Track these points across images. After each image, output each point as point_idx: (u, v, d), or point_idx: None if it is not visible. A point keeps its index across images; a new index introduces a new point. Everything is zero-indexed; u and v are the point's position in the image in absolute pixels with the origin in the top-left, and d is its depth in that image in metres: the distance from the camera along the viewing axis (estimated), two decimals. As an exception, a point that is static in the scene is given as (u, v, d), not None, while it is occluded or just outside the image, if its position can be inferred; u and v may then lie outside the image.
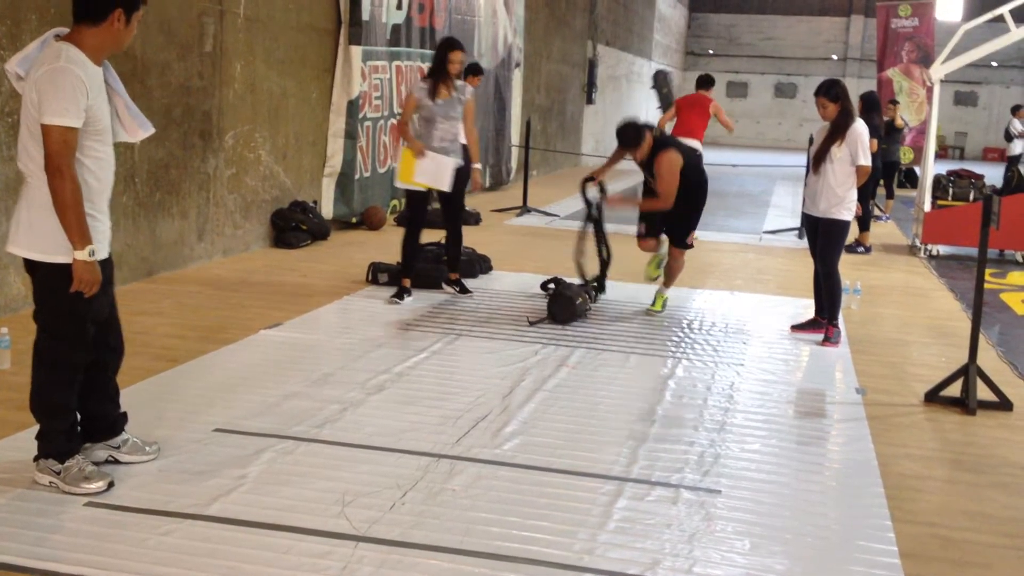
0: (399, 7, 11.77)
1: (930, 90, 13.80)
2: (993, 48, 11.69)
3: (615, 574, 3.42)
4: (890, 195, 15.04)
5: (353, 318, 6.94)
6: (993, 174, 18.68)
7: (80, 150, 3.62)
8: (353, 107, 10.72)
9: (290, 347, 6.05)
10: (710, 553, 3.62)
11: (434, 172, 7.34)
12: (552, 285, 7.74)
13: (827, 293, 6.88)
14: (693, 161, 7.32)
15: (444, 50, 7.37)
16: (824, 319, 6.92)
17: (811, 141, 12.83)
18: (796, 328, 7.15)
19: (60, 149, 3.51)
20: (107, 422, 4.11)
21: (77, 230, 3.57)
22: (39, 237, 3.66)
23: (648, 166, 7.17)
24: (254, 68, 8.92)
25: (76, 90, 3.53)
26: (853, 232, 9.52)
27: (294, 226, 9.60)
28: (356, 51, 10.63)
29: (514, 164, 16.80)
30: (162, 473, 4.07)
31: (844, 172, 6.73)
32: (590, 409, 5.22)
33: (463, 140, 7.64)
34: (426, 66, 12.49)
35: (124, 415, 4.19)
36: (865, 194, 10.88)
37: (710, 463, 4.52)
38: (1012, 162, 19.13)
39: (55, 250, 3.65)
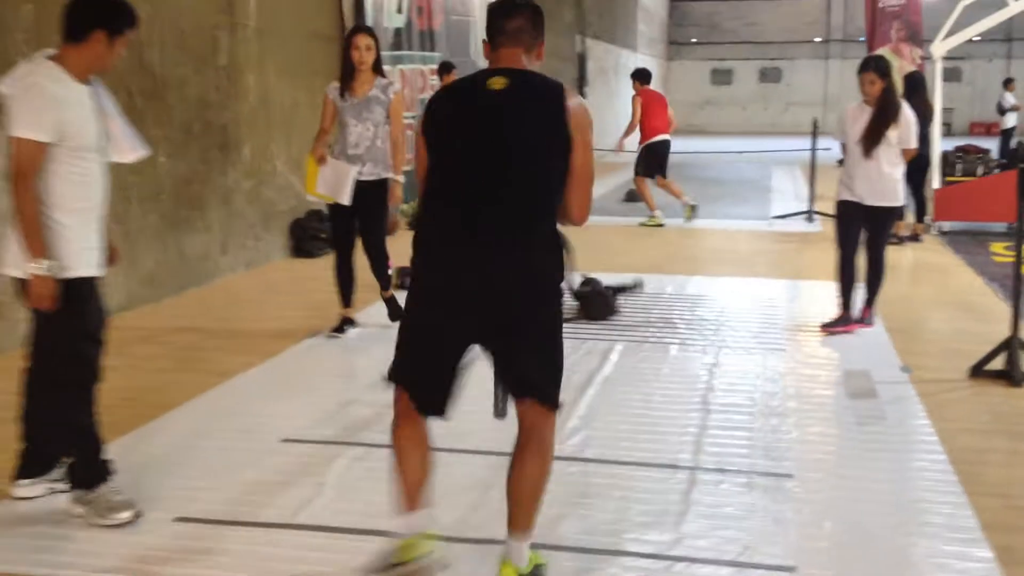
0: (399, 11, 11.79)
1: (920, 67, 13.90)
2: (992, 23, 11.80)
3: (711, 561, 3.45)
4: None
5: (390, 322, 6.95)
6: (992, 148, 18.79)
7: (57, 164, 3.57)
8: (361, 113, 10.71)
9: (335, 355, 6.07)
10: (794, 536, 3.66)
11: (333, 183, 6.32)
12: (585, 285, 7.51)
13: (874, 277, 6.70)
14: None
15: (348, 36, 6.46)
16: (848, 314, 6.73)
17: (815, 126, 12.95)
18: (827, 327, 6.73)
19: (24, 162, 3.48)
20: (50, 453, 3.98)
21: (32, 243, 3.52)
22: (17, 253, 3.60)
23: None
24: (266, 79, 8.93)
25: (45, 105, 3.51)
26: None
27: (312, 235, 9.61)
28: (362, 57, 10.61)
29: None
30: (243, 485, 4.09)
31: (896, 156, 6.55)
32: (644, 401, 5.26)
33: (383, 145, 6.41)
34: (428, 69, 12.59)
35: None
36: (921, 182, 10.77)
37: (775, 448, 4.56)
38: (1006, 135, 19.27)
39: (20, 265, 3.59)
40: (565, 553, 3.50)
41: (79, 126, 3.60)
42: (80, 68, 3.62)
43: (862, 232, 6.69)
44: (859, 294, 6.77)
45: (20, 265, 3.58)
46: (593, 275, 7.44)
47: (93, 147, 3.69)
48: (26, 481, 3.92)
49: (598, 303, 7.11)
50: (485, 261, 2.99)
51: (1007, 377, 5.63)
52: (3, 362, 5.97)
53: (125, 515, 3.72)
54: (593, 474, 4.25)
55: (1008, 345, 5.69)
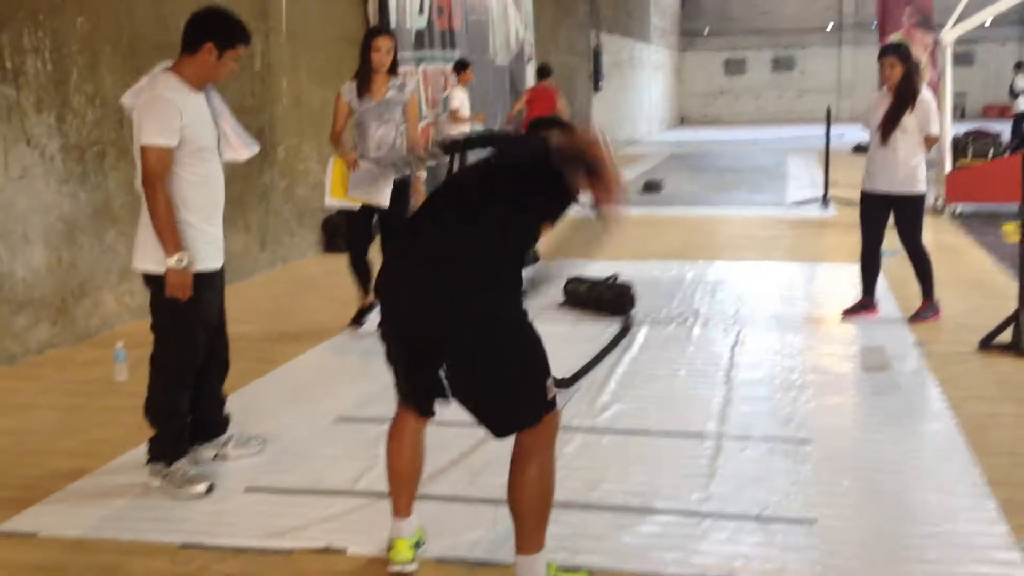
0: (421, 12, 12.12)
1: (932, 53, 14.12)
2: (1000, 8, 12.04)
3: (738, 516, 3.78)
4: None
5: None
6: (1003, 131, 18.99)
7: (180, 168, 3.96)
8: (387, 112, 11.05)
9: (374, 342, 6.39)
10: (814, 493, 3.98)
11: (369, 185, 6.28)
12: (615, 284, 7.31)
13: (917, 269, 6.72)
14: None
15: (367, 38, 6.40)
16: (872, 300, 6.85)
17: (829, 114, 13.20)
18: (847, 312, 6.88)
19: (154, 167, 3.87)
20: (214, 424, 4.45)
21: (168, 240, 3.91)
22: (147, 251, 4.02)
23: None
24: (299, 82, 9.29)
25: (168, 113, 3.87)
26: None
27: (343, 232, 9.94)
28: (387, 58, 10.96)
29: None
30: (305, 458, 4.45)
31: (915, 143, 6.51)
32: (670, 377, 5.58)
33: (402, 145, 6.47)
34: (449, 68, 12.91)
35: (228, 417, 4.52)
36: None
37: (795, 417, 4.88)
38: (1019, 119, 19.45)
39: (157, 261, 3.98)
40: (601, 512, 3.83)
41: (197, 130, 3.98)
42: (195, 77, 3.99)
43: (890, 222, 6.73)
44: (881, 282, 7.00)
45: (156, 261, 3.97)
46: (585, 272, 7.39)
47: (211, 148, 4.08)
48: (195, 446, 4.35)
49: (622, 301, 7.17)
50: (422, 279, 3.05)
51: (1014, 348, 5.91)
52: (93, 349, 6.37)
53: (200, 488, 4.06)
54: (625, 444, 4.57)
55: (1015, 318, 5.98)
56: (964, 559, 3.43)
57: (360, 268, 6.56)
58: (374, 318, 6.60)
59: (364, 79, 6.30)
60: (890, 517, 3.76)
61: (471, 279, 3.02)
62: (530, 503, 3.09)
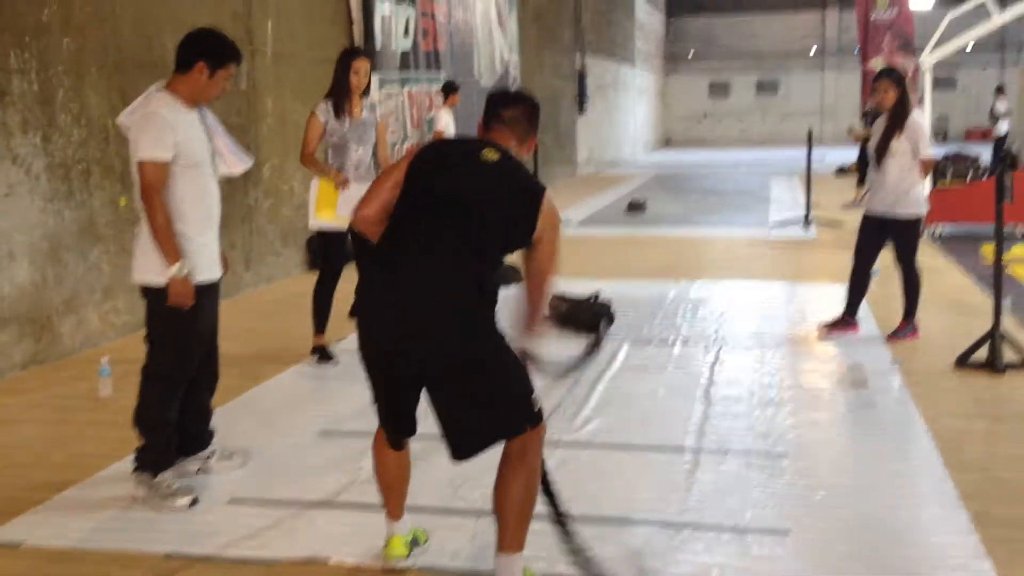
0: (406, 34, 12.23)
1: (914, 78, 14.33)
2: (977, 35, 12.24)
3: (714, 527, 3.84)
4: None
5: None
6: (983, 153, 19.21)
7: (175, 182, 4.06)
8: (372, 133, 11.14)
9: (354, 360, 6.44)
10: (789, 505, 4.05)
11: None
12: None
13: (907, 291, 6.76)
14: None
15: (346, 59, 6.27)
16: (853, 319, 6.94)
17: (810, 136, 13.31)
18: (827, 328, 6.96)
19: (151, 181, 3.97)
20: (199, 437, 4.51)
21: (168, 250, 4.01)
22: (147, 263, 4.10)
23: None
24: (283, 102, 9.36)
25: (162, 129, 3.98)
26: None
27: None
28: (373, 79, 11.06)
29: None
30: (288, 471, 4.51)
31: (906, 166, 6.56)
32: (651, 394, 5.66)
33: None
34: (434, 89, 13.01)
35: (212, 431, 4.59)
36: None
37: (772, 432, 4.95)
38: (1000, 142, 19.67)
39: (157, 272, 4.07)
40: (580, 523, 3.87)
41: (191, 145, 4.08)
42: (187, 95, 4.11)
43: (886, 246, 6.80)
44: (864, 302, 7.07)
45: (156, 272, 4.06)
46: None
47: (205, 163, 4.17)
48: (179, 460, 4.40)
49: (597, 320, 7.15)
50: (405, 308, 3.13)
51: (990, 366, 6.01)
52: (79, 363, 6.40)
53: (183, 501, 4.11)
54: (605, 458, 4.64)
55: (991, 337, 6.08)
56: (935, 569, 3.50)
57: (323, 301, 6.37)
58: (343, 344, 6.59)
59: (341, 100, 6.25)
60: (863, 528, 3.83)
61: (449, 309, 3.12)
62: (515, 505, 3.20)
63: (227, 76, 4.18)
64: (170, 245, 4.02)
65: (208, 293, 4.26)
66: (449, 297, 3.12)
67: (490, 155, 3.25)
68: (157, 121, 3.99)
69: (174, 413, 4.25)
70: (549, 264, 3.27)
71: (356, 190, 6.08)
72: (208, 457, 4.52)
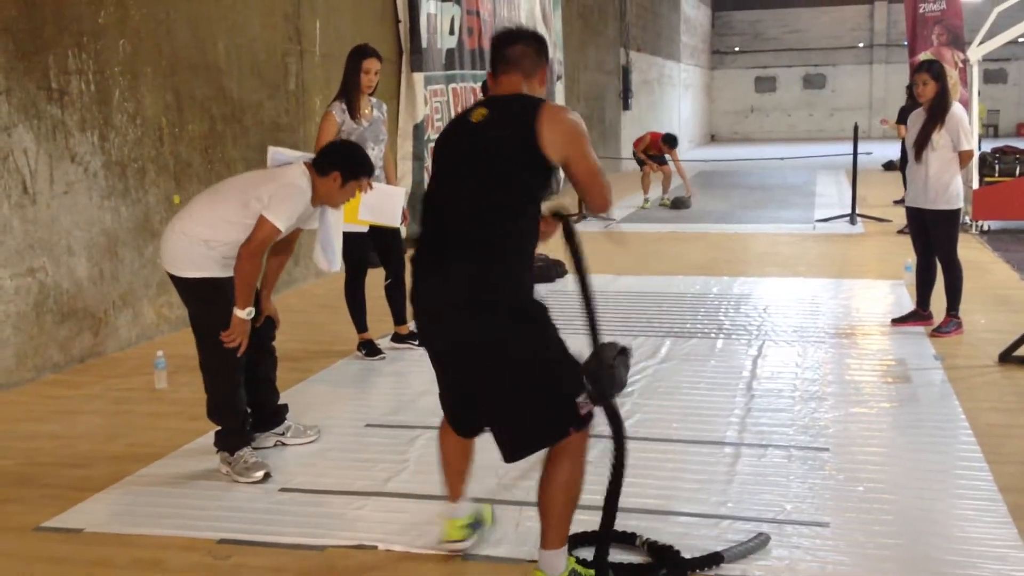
0: (451, 32, 12.34)
1: (963, 71, 14.19)
2: (1027, 26, 12.08)
3: (753, 519, 3.91)
4: None
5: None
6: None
7: (245, 230, 4.29)
8: (419, 130, 11.30)
9: (404, 353, 6.58)
10: (829, 497, 4.10)
11: (381, 207, 6.05)
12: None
13: (947, 285, 6.76)
14: None
15: (356, 58, 6.19)
16: (926, 311, 6.98)
17: (856, 131, 13.25)
18: (897, 322, 7.05)
19: (262, 240, 4.26)
20: (272, 413, 4.84)
21: (246, 296, 4.32)
22: (194, 260, 4.37)
23: None
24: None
25: (297, 207, 4.32)
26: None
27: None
28: (418, 77, 11.22)
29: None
30: (337, 461, 4.64)
31: (946, 159, 6.56)
32: (692, 387, 5.72)
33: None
34: (478, 86, 13.11)
35: (285, 406, 4.92)
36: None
37: (813, 426, 5.00)
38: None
39: (207, 268, 4.36)
40: (622, 514, 3.95)
41: (293, 227, 4.42)
42: (317, 193, 4.42)
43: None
44: (905, 296, 7.10)
45: (198, 267, 4.35)
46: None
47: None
48: (257, 435, 4.73)
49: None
50: (446, 292, 3.16)
51: (1034, 362, 6.01)
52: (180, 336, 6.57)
53: (259, 474, 4.41)
54: (647, 450, 4.70)
55: (1035, 332, 6.08)
56: (972, 560, 3.54)
57: (355, 301, 6.46)
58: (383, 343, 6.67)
59: (354, 100, 6.18)
60: (902, 521, 3.88)
61: (473, 302, 3.13)
62: (557, 503, 3.23)
63: (356, 187, 4.49)
64: (249, 294, 4.32)
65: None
66: (474, 288, 3.13)
67: (479, 113, 3.24)
68: (298, 199, 4.30)
69: (242, 398, 4.53)
70: (591, 179, 3.23)
71: (378, 192, 5.89)
72: (283, 433, 4.84)
